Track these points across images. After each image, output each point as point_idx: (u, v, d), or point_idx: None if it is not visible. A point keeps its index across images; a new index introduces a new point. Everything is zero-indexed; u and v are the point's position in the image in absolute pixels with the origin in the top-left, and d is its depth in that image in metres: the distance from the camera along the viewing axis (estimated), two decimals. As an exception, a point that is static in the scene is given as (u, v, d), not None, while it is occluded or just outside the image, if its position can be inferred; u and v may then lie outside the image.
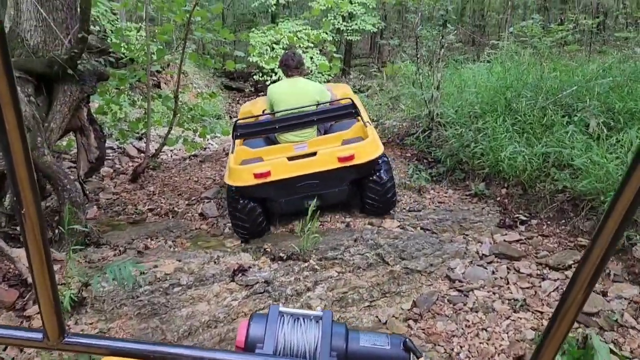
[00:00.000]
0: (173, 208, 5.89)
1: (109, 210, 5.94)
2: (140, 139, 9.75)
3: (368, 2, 12.95)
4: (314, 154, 4.62)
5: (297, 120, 4.81)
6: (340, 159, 4.49)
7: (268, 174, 4.49)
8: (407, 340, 0.72)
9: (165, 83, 13.42)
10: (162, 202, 6.07)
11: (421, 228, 4.66)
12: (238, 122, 5.07)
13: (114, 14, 11.77)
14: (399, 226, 4.73)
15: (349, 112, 4.87)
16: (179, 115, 6.93)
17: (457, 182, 5.51)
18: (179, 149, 9.51)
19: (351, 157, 4.48)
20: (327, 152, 4.57)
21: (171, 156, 9.24)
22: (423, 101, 6.02)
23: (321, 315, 0.74)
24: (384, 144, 6.44)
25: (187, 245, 4.91)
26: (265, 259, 4.25)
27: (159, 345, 0.51)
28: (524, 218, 4.49)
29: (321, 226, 5.00)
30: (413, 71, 7.16)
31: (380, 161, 4.76)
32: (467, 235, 4.46)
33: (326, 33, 11.57)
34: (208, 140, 10.16)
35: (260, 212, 4.79)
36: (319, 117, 4.85)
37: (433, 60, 6.31)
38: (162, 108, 8.37)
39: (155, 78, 12.58)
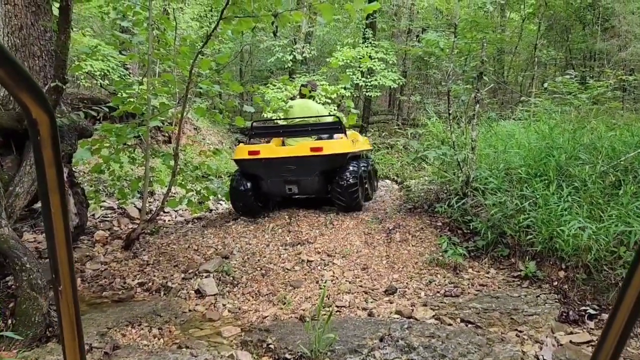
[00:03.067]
0: (166, 283, 5.08)
1: (93, 283, 5.16)
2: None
3: (388, 58, 12.51)
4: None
5: (296, 129, 6.42)
6: (312, 149, 5.90)
7: (258, 152, 6.11)
8: None
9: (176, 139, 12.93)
10: (154, 275, 5.27)
11: (462, 320, 3.77)
12: (254, 124, 6.95)
13: (126, 68, 11.46)
14: (433, 316, 3.85)
15: (336, 128, 6.32)
16: (181, 174, 6.25)
17: (500, 259, 4.63)
18: (185, 210, 8.82)
19: (320, 149, 5.88)
20: (303, 144, 6.07)
21: (175, 217, 8.53)
22: (456, 163, 5.25)
23: None
24: (409, 209, 5.69)
25: (176, 333, 4.07)
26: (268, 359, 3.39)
27: None
28: (593, 311, 3.58)
29: (337, 312, 4.14)
30: (441, 129, 6.44)
31: (351, 167, 6.04)
32: (520, 332, 3.56)
33: (344, 88, 11.05)
34: (218, 200, 9.48)
35: (252, 193, 6.26)
36: (312, 128, 6.37)
37: (465, 116, 5.60)
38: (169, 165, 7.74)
39: (166, 134, 12.10)
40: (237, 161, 6.36)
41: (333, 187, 6.03)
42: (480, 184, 5.01)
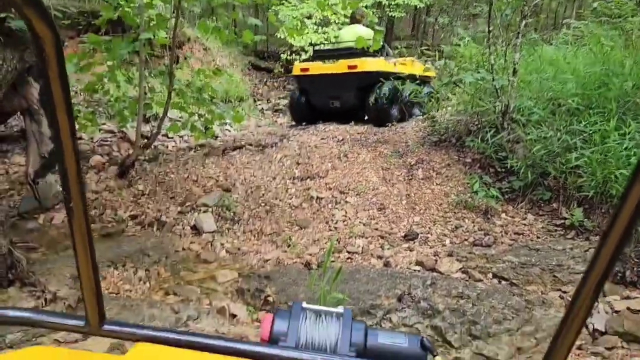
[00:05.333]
0: (161, 216, 4.59)
1: (82, 214, 4.68)
2: (148, 120, 8.48)
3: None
4: None
5: (345, 51, 6.91)
6: (349, 67, 6.57)
7: (307, 69, 7.13)
8: (424, 339, 0.68)
9: (185, 58, 12.10)
10: (148, 207, 4.78)
11: (494, 275, 3.21)
12: (315, 48, 7.98)
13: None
14: (460, 269, 3.29)
15: (375, 52, 6.47)
16: (182, 97, 5.59)
17: (539, 204, 4.01)
18: (190, 135, 8.23)
19: (355, 67, 6.53)
20: (343, 62, 6.71)
21: (180, 143, 7.96)
22: (493, 90, 4.50)
23: (342, 313, 0.72)
24: (434, 142, 5.05)
25: (165, 276, 3.60)
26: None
27: (190, 335, 0.54)
28: (657, 273, 2.99)
29: (349, 260, 3.61)
30: (475, 52, 5.61)
31: (387, 89, 6.40)
32: (565, 292, 3.00)
33: (366, 7, 10.02)
34: (225, 126, 8.86)
35: (305, 105, 7.51)
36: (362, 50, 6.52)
37: (506, 36, 4.78)
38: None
39: (174, 53, 11.28)
40: (294, 77, 7.62)
41: (367, 102, 6.59)
42: (521, 115, 4.30)
